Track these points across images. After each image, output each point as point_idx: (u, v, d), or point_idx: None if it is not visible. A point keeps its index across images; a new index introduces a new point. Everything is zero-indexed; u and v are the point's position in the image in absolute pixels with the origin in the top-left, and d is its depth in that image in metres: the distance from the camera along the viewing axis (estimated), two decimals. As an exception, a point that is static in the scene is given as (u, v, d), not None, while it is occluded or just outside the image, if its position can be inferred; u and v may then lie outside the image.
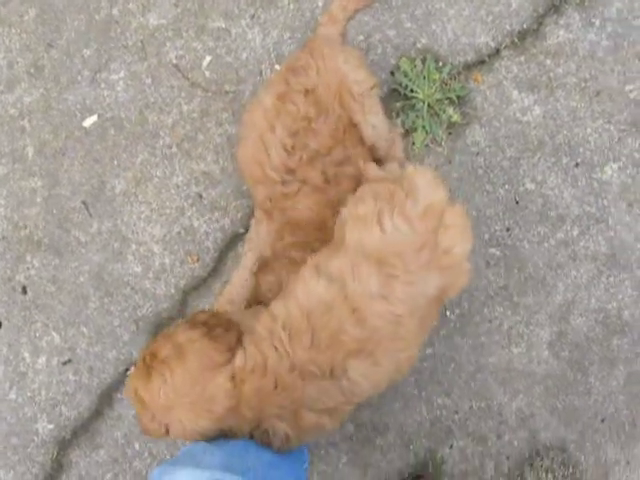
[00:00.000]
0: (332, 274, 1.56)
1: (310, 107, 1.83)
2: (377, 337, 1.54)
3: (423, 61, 2.20)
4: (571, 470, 2.08)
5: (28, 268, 2.22)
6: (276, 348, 1.56)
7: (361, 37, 2.23)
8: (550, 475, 2.07)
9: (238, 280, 2.04)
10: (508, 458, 2.10)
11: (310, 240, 1.82)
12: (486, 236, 2.16)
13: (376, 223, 1.56)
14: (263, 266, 1.92)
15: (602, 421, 2.11)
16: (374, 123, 1.94)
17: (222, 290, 2.11)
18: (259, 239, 1.96)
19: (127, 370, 2.16)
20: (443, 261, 1.58)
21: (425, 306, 1.57)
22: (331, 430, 1.65)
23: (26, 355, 2.19)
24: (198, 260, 2.19)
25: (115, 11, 2.27)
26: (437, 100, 2.19)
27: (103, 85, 2.27)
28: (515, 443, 2.11)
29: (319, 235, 1.81)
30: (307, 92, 1.85)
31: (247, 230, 2.13)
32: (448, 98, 2.19)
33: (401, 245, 1.54)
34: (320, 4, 2.23)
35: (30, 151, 2.26)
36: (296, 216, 1.85)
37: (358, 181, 1.82)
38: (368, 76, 1.95)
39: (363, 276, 1.54)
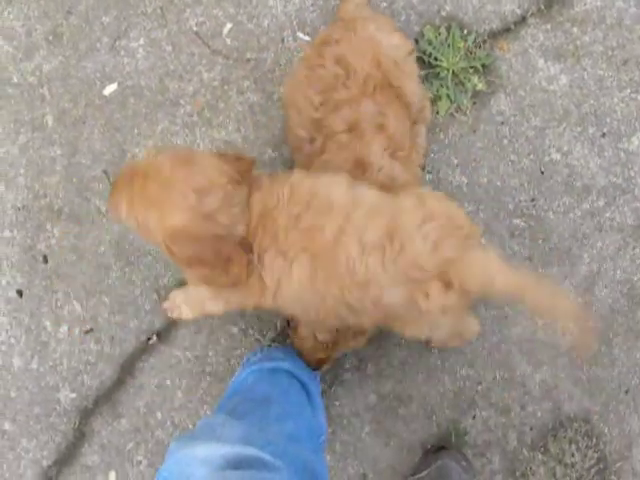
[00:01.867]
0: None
1: (340, 69, 1.80)
2: None
3: (448, 29, 2.17)
4: (594, 441, 2.07)
5: (49, 237, 2.20)
6: (278, 199, 1.52)
7: (384, 4, 2.19)
8: (574, 446, 2.06)
9: None
10: (531, 429, 2.10)
11: None
12: (510, 206, 2.14)
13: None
14: None
15: (626, 392, 2.10)
16: (413, 89, 1.90)
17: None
18: None
19: (149, 339, 2.16)
20: None
21: None
22: None
23: (47, 324, 2.19)
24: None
25: (134, -23, 2.24)
26: (462, 69, 2.16)
27: (123, 53, 2.24)
28: (538, 414, 2.10)
29: None
30: (338, 59, 1.81)
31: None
32: (473, 67, 2.16)
33: None
34: (342, -30, 2.19)
35: (50, 120, 2.23)
36: None
37: (385, 134, 1.77)
38: (404, 41, 1.92)
39: None
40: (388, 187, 1.69)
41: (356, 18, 1.94)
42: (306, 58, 1.90)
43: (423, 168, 2.12)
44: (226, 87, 2.21)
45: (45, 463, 2.16)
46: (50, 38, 2.25)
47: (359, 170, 1.73)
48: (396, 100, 1.85)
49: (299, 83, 1.85)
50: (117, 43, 2.24)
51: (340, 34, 1.87)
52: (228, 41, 2.22)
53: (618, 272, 2.11)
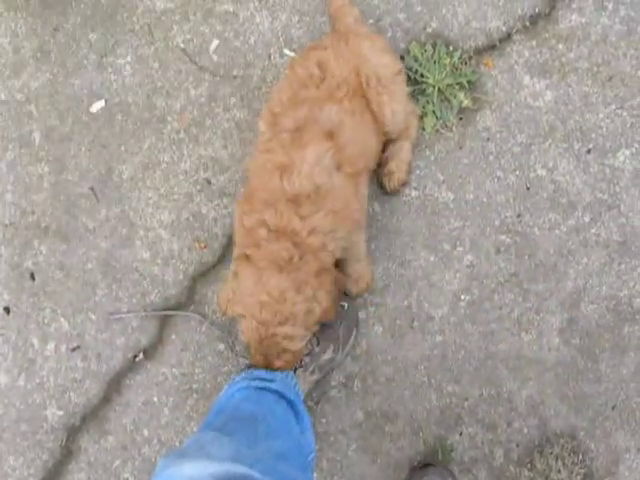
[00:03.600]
0: None
1: (317, 70, 1.82)
2: None
3: (433, 45, 2.18)
4: (581, 457, 2.07)
5: (36, 254, 2.21)
6: None
7: (371, 20, 2.20)
8: (560, 462, 2.06)
9: None
10: (518, 445, 2.10)
11: None
12: (496, 222, 2.14)
13: None
14: None
15: (612, 408, 2.10)
16: (395, 109, 1.91)
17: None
18: None
19: (136, 357, 2.16)
20: None
21: None
22: None
23: (35, 341, 2.19)
24: (206, 246, 2.18)
25: (121, -6, 2.24)
26: (448, 85, 2.16)
27: (110, 69, 2.25)
28: (525, 430, 2.10)
29: None
30: (320, 62, 1.83)
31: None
32: (459, 83, 2.16)
33: None
34: (329, -12, 2.20)
35: (37, 136, 2.24)
36: None
37: (332, 143, 1.74)
38: (393, 61, 1.93)
39: None
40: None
41: (352, 32, 1.97)
42: (292, 60, 1.91)
43: (405, 184, 2.12)
44: (213, 104, 2.22)
45: (32, 481, 2.16)
46: (38, 55, 2.26)
47: (279, 173, 1.70)
48: (366, 113, 1.86)
49: (280, 82, 1.89)
50: (104, 60, 2.25)
51: (331, 42, 1.90)
52: (215, 58, 2.23)
53: (604, 288, 2.12)
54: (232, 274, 1.72)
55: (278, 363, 1.72)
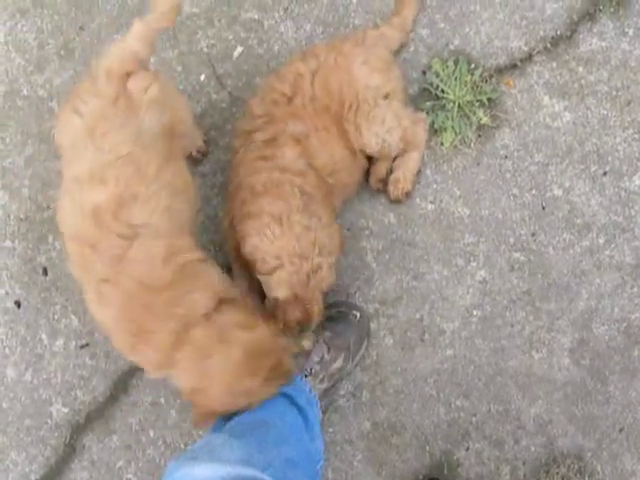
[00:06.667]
0: None
1: (289, 87, 1.90)
2: None
3: (455, 62, 2.20)
4: (587, 479, 2.07)
5: (49, 249, 2.21)
6: None
7: (395, 35, 2.22)
8: (566, 483, 2.06)
9: None
10: (524, 464, 2.09)
11: None
12: (511, 240, 2.15)
13: None
14: None
15: (620, 431, 2.09)
16: (377, 132, 1.95)
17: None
18: None
19: (145, 357, 2.15)
20: None
21: None
22: None
23: (44, 337, 2.18)
24: (219, 250, 2.18)
25: (148, -3, 2.26)
26: (468, 102, 2.18)
27: (133, 70, 2.25)
28: (532, 449, 2.09)
29: None
30: (296, 78, 1.91)
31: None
32: (479, 100, 2.18)
33: None
34: (354, 0, 2.23)
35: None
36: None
37: (300, 146, 1.86)
38: (384, 82, 1.96)
39: None
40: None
41: (351, 43, 1.99)
42: (273, 73, 2.04)
43: (409, 195, 2.14)
44: (234, 109, 2.23)
45: (33, 477, 2.15)
46: (62, 52, 2.28)
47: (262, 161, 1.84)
48: (332, 128, 1.92)
49: (254, 97, 2.00)
50: (128, 61, 2.25)
51: (322, 53, 1.95)
52: (238, 64, 2.25)
53: (616, 310, 2.12)
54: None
55: (316, 309, 1.78)
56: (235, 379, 1.58)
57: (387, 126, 1.96)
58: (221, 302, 1.66)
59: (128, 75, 1.64)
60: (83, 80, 1.68)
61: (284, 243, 1.73)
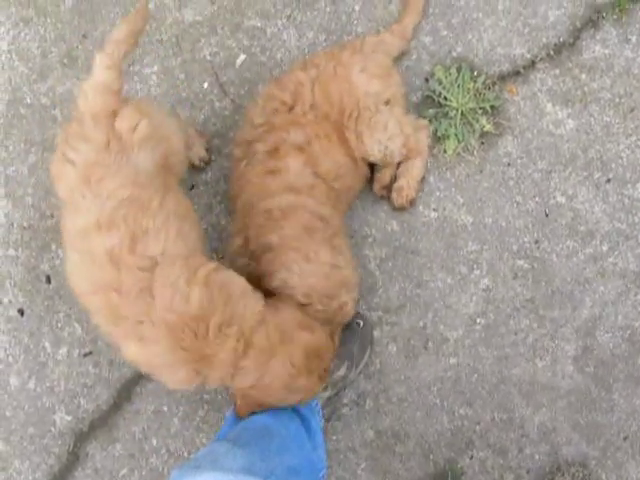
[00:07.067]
0: None
1: (290, 95, 1.90)
2: None
3: (458, 70, 2.20)
4: (592, 487, 2.07)
5: (53, 258, 2.21)
6: None
7: (397, 42, 2.22)
8: (570, 491, 2.05)
9: None
10: (528, 472, 2.09)
11: None
12: (514, 247, 2.15)
13: None
14: None
15: (625, 439, 2.09)
16: (380, 139, 1.95)
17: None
18: None
19: (148, 365, 2.15)
20: None
21: None
22: None
23: (47, 345, 2.18)
24: (222, 257, 2.18)
25: (151, 5, 2.26)
26: (470, 109, 2.18)
27: (136, 78, 2.26)
28: (536, 457, 2.09)
29: None
30: (296, 86, 1.91)
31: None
32: (482, 108, 2.18)
33: None
34: (357, 8, 2.24)
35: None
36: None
37: (303, 154, 1.86)
38: (384, 88, 1.96)
39: None
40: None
41: (347, 51, 1.99)
42: (272, 80, 2.04)
43: (413, 203, 2.14)
44: (237, 117, 2.23)
45: (37, 485, 2.15)
46: (65, 61, 2.28)
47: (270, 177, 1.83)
48: (333, 135, 1.92)
49: (253, 105, 2.00)
50: (131, 69, 2.26)
51: (319, 60, 1.95)
52: (241, 72, 2.25)
53: (619, 317, 2.12)
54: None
55: (336, 339, 1.82)
56: (294, 378, 1.65)
57: (389, 133, 1.96)
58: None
59: (114, 114, 1.62)
60: (69, 123, 1.65)
61: (313, 282, 1.75)
